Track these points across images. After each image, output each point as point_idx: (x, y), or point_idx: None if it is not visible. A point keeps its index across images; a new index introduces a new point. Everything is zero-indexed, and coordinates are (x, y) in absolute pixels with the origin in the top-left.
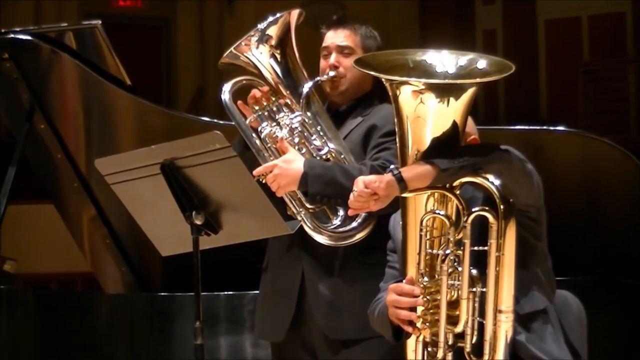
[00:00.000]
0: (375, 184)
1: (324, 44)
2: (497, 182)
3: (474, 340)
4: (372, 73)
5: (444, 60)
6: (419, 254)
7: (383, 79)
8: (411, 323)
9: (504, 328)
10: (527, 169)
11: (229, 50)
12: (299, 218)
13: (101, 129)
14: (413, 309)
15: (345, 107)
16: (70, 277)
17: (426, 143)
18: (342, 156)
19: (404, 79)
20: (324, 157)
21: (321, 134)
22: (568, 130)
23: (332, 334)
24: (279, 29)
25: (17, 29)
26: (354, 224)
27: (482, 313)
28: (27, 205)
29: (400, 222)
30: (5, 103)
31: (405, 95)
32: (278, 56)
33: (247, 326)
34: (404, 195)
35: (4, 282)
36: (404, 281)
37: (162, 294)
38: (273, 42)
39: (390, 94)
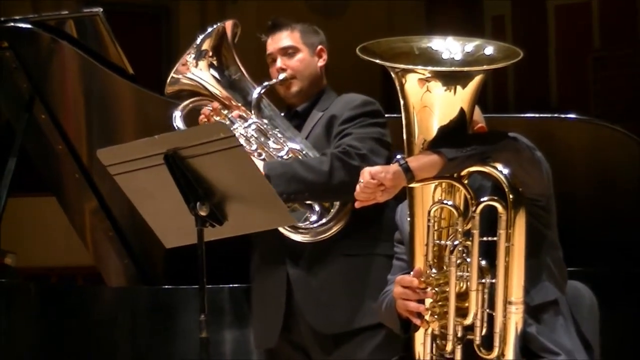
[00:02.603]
0: (382, 174)
1: (267, 52)
2: (505, 171)
3: (483, 333)
4: (377, 61)
5: (450, 47)
6: (427, 245)
7: (388, 67)
8: (419, 315)
9: (514, 320)
10: (536, 157)
11: (170, 77)
12: None
13: (103, 119)
14: (421, 301)
15: (306, 104)
16: (72, 271)
17: (433, 132)
18: (304, 153)
19: (410, 67)
20: (284, 158)
21: (279, 136)
22: (579, 117)
23: (323, 330)
24: (215, 42)
25: (16, 18)
26: (329, 216)
27: (491, 305)
28: (28, 197)
29: (408, 213)
30: (5, 93)
31: (411, 84)
32: (220, 70)
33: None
34: (411, 185)
35: (4, 276)
36: (411, 273)
37: (166, 286)
38: (212, 57)
39: (395, 82)
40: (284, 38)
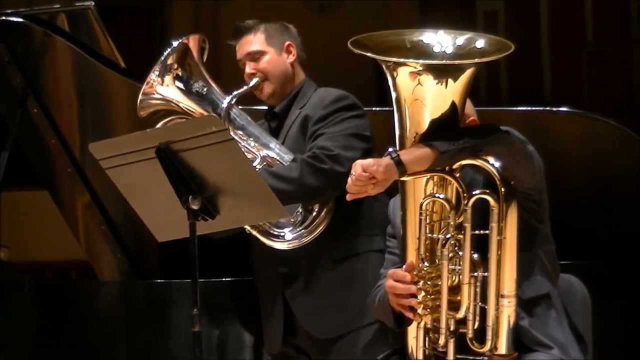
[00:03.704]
0: (374, 167)
1: (237, 58)
2: (497, 164)
3: (476, 326)
4: (369, 54)
5: (442, 40)
6: (419, 238)
7: (380, 61)
8: (412, 309)
9: (506, 313)
10: (527, 150)
11: (139, 100)
12: (254, 233)
13: (95, 113)
14: (414, 294)
15: (283, 104)
16: (66, 265)
17: (425, 125)
18: (278, 159)
19: (401, 60)
20: (258, 167)
21: (252, 145)
22: (572, 111)
23: (320, 335)
24: (178, 57)
25: (8, 11)
26: (311, 218)
27: (484, 298)
28: (21, 192)
29: (400, 207)
30: None
31: (403, 77)
32: (187, 84)
33: (246, 314)
34: (403, 178)
35: None
36: (403, 267)
37: (159, 281)
38: (177, 70)
39: (387, 75)
40: (248, 43)
